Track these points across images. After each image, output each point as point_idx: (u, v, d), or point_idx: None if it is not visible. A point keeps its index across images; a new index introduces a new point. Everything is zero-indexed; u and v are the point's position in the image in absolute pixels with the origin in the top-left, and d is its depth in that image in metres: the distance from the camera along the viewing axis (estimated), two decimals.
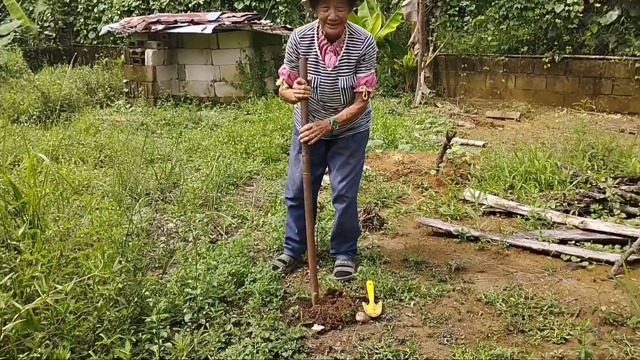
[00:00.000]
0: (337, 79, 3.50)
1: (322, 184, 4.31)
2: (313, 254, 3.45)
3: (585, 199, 4.77)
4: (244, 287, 3.50)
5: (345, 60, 3.49)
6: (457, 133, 7.33)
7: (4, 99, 9.05)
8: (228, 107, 10.03)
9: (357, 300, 3.44)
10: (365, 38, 3.48)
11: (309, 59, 3.48)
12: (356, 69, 3.52)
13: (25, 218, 3.37)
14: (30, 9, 14.78)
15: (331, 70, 3.50)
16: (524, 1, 9.57)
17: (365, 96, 3.51)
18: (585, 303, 3.39)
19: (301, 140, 3.43)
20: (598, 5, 9.00)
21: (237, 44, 10.28)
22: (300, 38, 3.52)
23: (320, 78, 3.52)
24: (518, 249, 4.18)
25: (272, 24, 10.89)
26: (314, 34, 3.51)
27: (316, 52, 3.51)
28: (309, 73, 3.47)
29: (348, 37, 3.47)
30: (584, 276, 3.75)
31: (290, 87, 3.54)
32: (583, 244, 4.18)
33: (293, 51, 3.55)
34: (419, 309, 3.35)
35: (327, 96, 3.57)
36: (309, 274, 3.83)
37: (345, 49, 3.48)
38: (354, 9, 3.85)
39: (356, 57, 3.48)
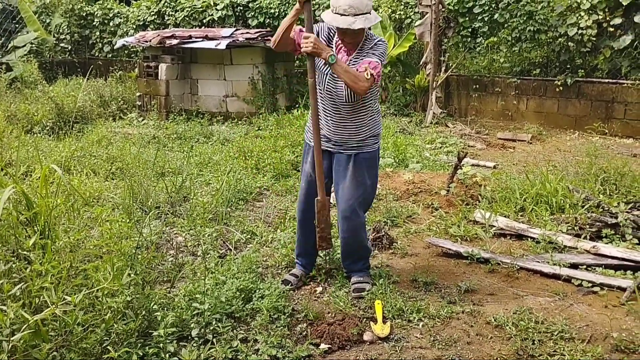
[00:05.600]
0: None
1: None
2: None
3: (597, 224, 4.73)
4: (251, 303, 3.49)
5: (355, 60, 3.56)
6: (468, 154, 7.32)
7: (19, 109, 9.13)
8: (239, 122, 10.08)
9: (365, 319, 3.42)
10: (378, 40, 3.58)
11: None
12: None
13: (36, 228, 3.39)
14: (47, 21, 14.97)
15: None
16: (537, 24, 9.57)
17: (367, 74, 3.37)
18: (597, 329, 3.34)
19: (302, 48, 3.42)
20: (611, 29, 8.99)
21: (250, 60, 10.35)
22: (327, 27, 3.63)
23: (330, 73, 3.57)
24: (528, 272, 4.14)
25: None
26: (336, 31, 3.61)
27: (332, 47, 3.60)
28: (320, 68, 3.58)
29: (363, 41, 3.58)
30: (595, 302, 3.70)
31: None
32: (594, 268, 4.14)
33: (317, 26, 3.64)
34: (428, 330, 3.32)
35: (332, 91, 3.61)
36: (316, 292, 3.84)
37: (358, 51, 3.58)
38: None
39: (365, 56, 3.55)
